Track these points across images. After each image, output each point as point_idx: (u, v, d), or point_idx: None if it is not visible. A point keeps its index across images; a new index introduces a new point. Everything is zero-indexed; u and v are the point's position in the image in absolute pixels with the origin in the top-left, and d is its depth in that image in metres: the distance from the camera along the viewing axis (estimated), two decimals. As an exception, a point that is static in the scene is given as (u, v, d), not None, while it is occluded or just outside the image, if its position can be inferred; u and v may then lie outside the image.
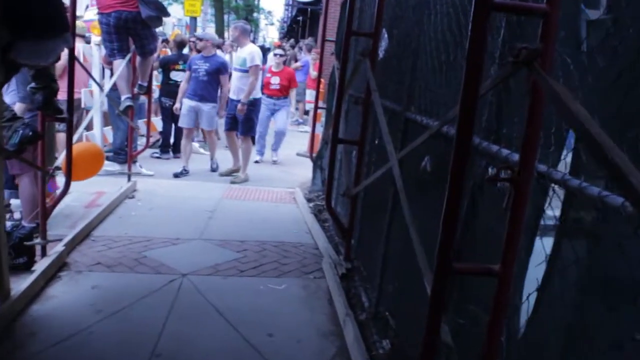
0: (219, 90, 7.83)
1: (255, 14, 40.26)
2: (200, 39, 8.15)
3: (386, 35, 4.04)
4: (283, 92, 8.93)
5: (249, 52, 7.49)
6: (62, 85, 7.35)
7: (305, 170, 8.13)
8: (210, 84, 7.74)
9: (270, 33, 63.61)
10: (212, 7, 24.40)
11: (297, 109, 14.73)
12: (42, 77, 3.73)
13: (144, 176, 7.48)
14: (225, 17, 30.42)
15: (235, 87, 7.69)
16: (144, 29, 5.73)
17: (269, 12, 48.09)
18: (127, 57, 5.81)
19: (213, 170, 8.10)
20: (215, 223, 5.65)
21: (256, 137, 8.87)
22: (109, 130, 7.86)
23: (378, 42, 3.99)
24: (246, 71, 7.44)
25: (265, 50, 16.33)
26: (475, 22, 1.59)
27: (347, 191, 4.16)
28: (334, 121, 4.14)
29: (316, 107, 7.06)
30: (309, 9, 20.05)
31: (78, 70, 6.27)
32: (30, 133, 3.56)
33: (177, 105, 8.01)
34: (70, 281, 4.15)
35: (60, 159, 4.36)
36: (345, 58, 4.08)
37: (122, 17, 5.56)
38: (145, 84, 6.29)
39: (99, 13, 5.68)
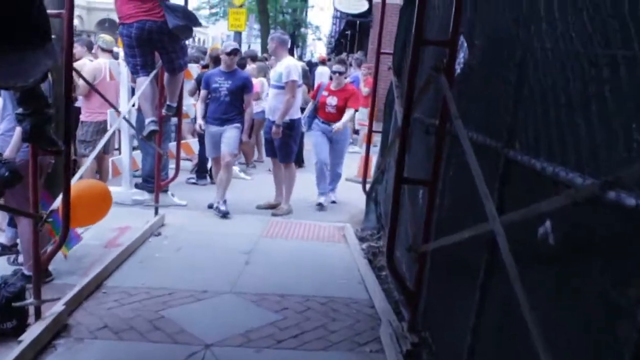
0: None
1: (302, 29, 39.70)
2: (234, 52, 6.60)
3: (465, 44, 3.11)
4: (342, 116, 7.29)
5: (285, 65, 6.57)
6: (88, 105, 6.75)
7: (356, 199, 7.21)
8: (234, 104, 6.57)
9: (318, 48, 63.20)
10: (257, 21, 23.76)
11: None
12: (29, 100, 2.95)
13: (176, 206, 6.71)
14: (272, 32, 29.96)
15: (271, 105, 6.74)
16: (171, 42, 4.95)
17: (317, 27, 47.49)
18: (152, 74, 5.03)
19: (221, 214, 6.45)
20: (252, 270, 4.77)
21: (316, 173, 7.46)
22: (139, 154, 7.13)
23: (456, 53, 3.06)
24: (282, 87, 6.55)
25: (312, 66, 15.57)
26: None
27: (414, 246, 3.22)
28: (398, 155, 3.22)
29: (370, 129, 6.03)
30: (358, 22, 19.20)
31: (102, 89, 5.58)
32: (7, 174, 2.76)
33: (199, 122, 6.82)
34: (66, 352, 3.33)
35: (58, 201, 3.56)
36: (412, 74, 3.16)
37: (145, 27, 4.78)
38: (175, 105, 5.50)
39: (120, 23, 4.92)
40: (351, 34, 24.93)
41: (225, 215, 6.33)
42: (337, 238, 5.87)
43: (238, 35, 16.40)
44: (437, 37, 3.58)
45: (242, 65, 8.40)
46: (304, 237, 5.87)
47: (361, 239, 5.60)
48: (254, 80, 8.65)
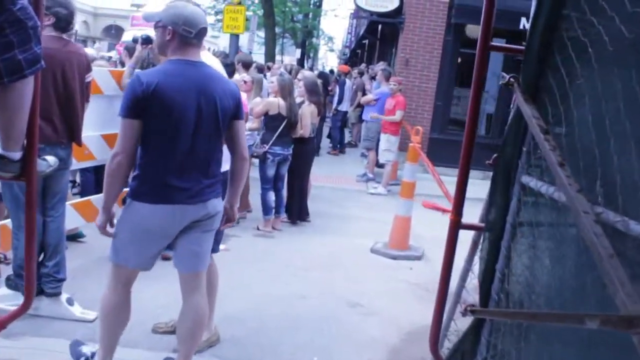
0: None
1: (314, 39, 36.61)
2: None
3: None
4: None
5: None
6: None
7: (393, 302, 4.21)
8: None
9: (330, 61, 60.33)
10: (261, 26, 20.59)
11: (363, 155, 10.79)
12: None
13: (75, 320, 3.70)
14: (280, 40, 26.80)
15: None
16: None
17: (330, 38, 44.49)
18: None
19: None
20: None
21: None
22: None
23: None
24: None
25: (326, 77, 12.49)
26: None
27: None
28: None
29: (462, 185, 2.43)
30: (380, 27, 16.17)
31: None
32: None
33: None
34: None
35: None
36: None
37: None
38: (16, 156, 2.44)
39: None
40: (369, 43, 21.87)
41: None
42: None
43: (235, 39, 13.38)
44: None
45: (231, 73, 5.61)
46: None
47: None
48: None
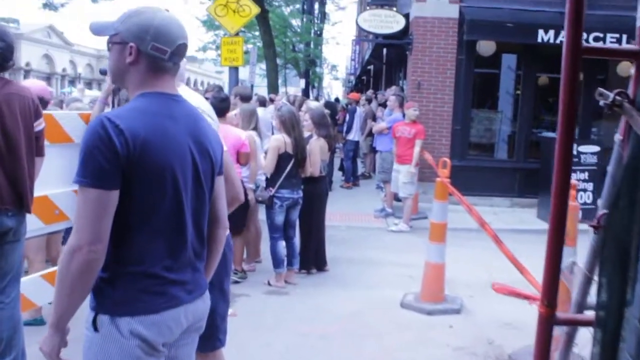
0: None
1: (317, 68, 36.09)
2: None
3: None
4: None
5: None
6: None
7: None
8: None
9: (335, 89, 60.10)
10: (261, 57, 19.89)
11: (379, 187, 10.02)
12: None
13: None
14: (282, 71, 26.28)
15: None
16: None
17: (334, 66, 44.16)
18: None
19: None
20: None
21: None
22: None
23: None
24: None
25: (333, 106, 11.84)
26: None
27: None
28: None
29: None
30: (384, 52, 15.52)
31: None
32: None
33: None
34: None
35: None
36: None
37: None
38: None
39: None
40: (375, 68, 21.22)
41: None
42: None
43: (235, 73, 12.70)
44: None
45: (226, 109, 4.91)
46: None
47: None
48: (236, 133, 4.95)
